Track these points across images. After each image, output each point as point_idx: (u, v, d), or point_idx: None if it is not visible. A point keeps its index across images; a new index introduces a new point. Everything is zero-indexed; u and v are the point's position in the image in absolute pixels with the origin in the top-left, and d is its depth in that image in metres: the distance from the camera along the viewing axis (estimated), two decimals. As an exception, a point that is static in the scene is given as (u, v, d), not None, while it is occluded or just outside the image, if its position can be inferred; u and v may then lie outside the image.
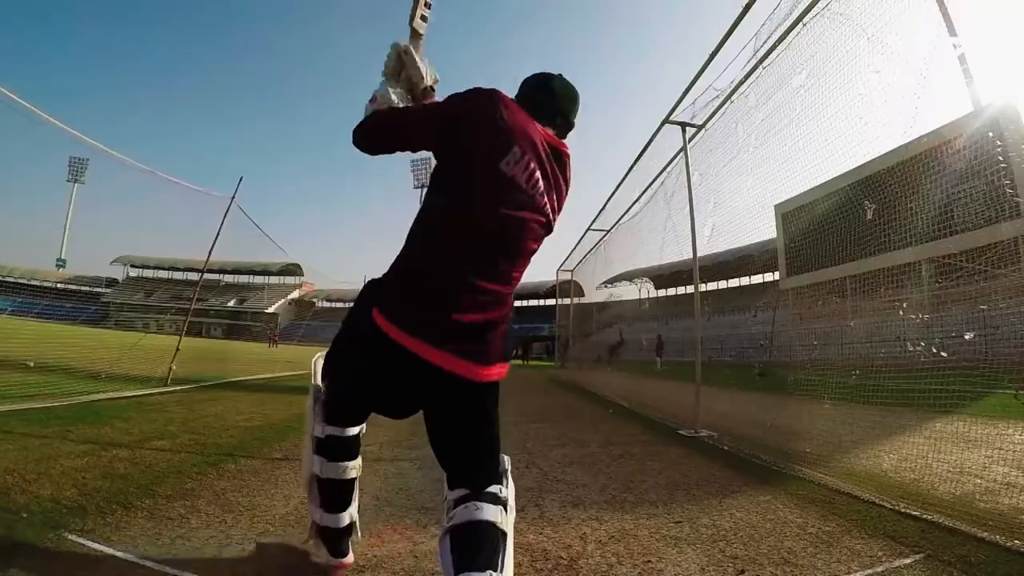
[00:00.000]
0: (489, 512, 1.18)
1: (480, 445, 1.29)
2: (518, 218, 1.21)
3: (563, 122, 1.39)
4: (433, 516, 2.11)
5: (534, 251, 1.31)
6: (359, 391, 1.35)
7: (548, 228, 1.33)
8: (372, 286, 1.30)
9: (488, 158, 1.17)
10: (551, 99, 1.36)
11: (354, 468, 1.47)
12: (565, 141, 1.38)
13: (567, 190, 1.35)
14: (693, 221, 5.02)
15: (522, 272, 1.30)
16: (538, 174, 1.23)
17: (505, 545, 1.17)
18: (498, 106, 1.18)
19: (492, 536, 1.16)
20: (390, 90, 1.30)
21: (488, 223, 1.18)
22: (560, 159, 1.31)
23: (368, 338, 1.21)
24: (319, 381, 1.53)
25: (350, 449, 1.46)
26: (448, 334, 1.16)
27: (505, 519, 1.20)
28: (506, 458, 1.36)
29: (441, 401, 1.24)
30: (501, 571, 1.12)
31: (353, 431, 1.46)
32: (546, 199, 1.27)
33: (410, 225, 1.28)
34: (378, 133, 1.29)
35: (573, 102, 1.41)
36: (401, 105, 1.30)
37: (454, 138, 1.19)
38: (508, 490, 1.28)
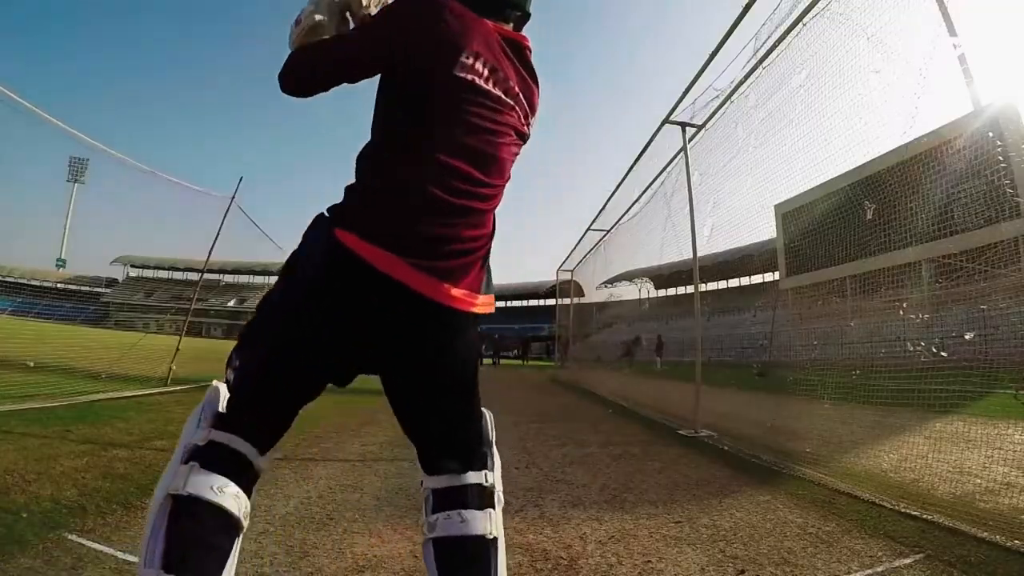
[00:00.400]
0: (476, 524, 1.05)
1: (455, 403, 1.12)
2: (482, 126, 1.08)
3: (517, 13, 1.22)
4: (433, 516, 2.11)
5: (508, 161, 1.16)
6: (292, 348, 1.02)
7: (521, 135, 1.20)
8: (324, 214, 1.08)
9: (438, 66, 1.04)
10: None
11: (236, 499, 0.91)
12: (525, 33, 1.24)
13: (536, 86, 1.22)
14: (693, 221, 5.03)
15: (499, 188, 1.14)
16: (498, 75, 1.10)
17: (496, 553, 1.05)
18: (438, 11, 1.05)
19: (482, 552, 1.04)
20: (320, 10, 1.12)
21: (451, 134, 1.05)
22: (520, 53, 1.18)
23: (323, 259, 1.00)
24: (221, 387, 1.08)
25: (238, 467, 0.95)
26: (418, 250, 1.00)
27: (494, 522, 1.07)
28: (488, 418, 1.21)
29: (405, 338, 1.04)
30: None
31: (251, 451, 0.99)
32: (512, 100, 1.14)
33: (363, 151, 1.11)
34: (313, 69, 1.11)
35: None
36: (328, 30, 1.12)
37: (398, 54, 1.06)
38: (494, 473, 1.14)
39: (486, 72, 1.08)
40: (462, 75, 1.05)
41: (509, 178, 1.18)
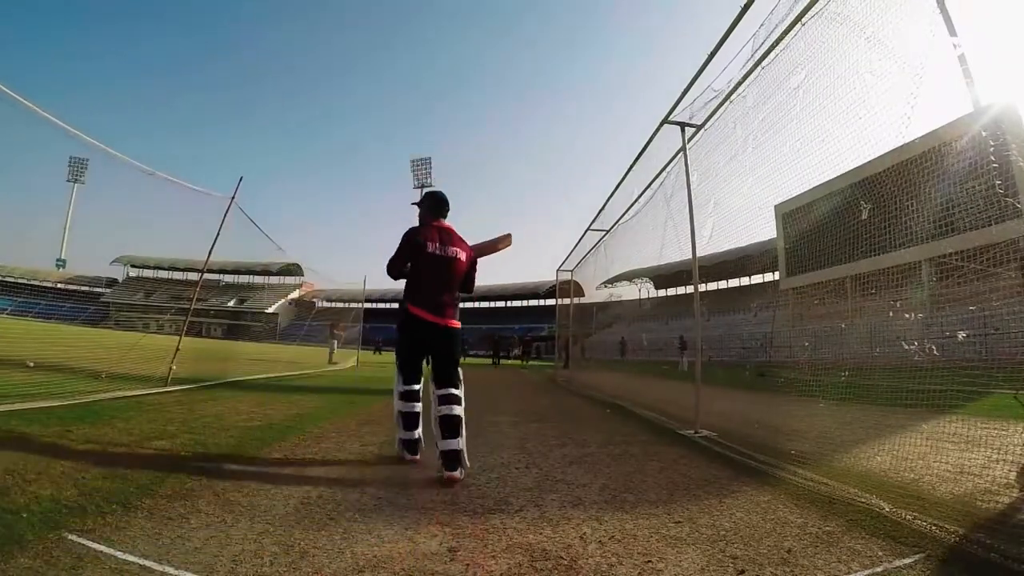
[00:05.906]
0: (456, 410, 2.84)
1: (450, 364, 2.99)
2: (439, 269, 3.01)
3: (446, 209, 3.21)
4: (433, 516, 2.11)
5: (459, 279, 3.09)
6: (410, 352, 3.06)
7: (460, 263, 3.07)
8: (401, 302, 3.07)
9: (422, 248, 3.00)
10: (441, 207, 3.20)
11: (417, 406, 3.04)
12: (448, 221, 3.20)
13: (463, 245, 3.13)
14: (692, 221, 5.02)
15: (455, 289, 3.10)
16: (446, 247, 3.04)
17: (462, 424, 2.81)
18: (419, 232, 3.06)
19: (458, 422, 2.80)
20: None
21: (430, 274, 3.01)
22: (449, 232, 3.12)
23: (407, 319, 2.99)
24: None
25: (414, 396, 3.04)
26: (434, 310, 2.97)
27: (459, 409, 2.85)
28: (459, 372, 3.03)
29: (436, 341, 2.99)
30: (462, 437, 2.75)
31: (415, 387, 3.04)
32: (453, 255, 3.03)
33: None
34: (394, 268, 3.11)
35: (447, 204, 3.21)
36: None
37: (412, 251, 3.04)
38: (460, 388, 2.95)
39: (438, 246, 3.01)
40: (431, 249, 2.98)
41: (459, 283, 3.13)
